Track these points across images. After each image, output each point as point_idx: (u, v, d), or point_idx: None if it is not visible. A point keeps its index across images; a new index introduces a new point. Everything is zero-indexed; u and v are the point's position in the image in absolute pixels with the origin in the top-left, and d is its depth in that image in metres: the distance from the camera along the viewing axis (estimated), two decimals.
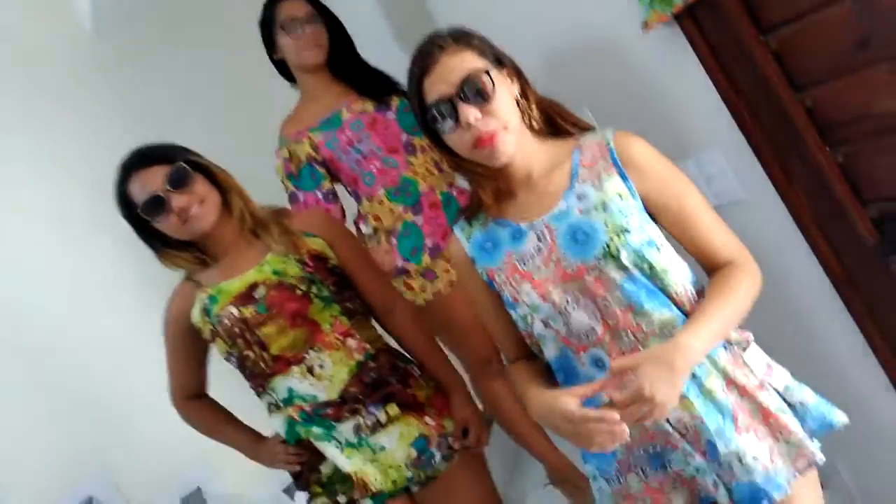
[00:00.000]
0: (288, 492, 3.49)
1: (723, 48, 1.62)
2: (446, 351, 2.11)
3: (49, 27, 3.32)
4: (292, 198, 2.37)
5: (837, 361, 1.87)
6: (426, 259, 2.29)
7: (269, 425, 1.96)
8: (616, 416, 1.24)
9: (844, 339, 1.79)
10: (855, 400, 1.88)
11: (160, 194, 1.74)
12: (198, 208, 1.76)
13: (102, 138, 3.26)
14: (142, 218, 1.78)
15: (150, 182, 1.75)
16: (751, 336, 1.44)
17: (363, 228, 2.40)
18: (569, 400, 1.30)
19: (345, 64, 2.35)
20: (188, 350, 1.92)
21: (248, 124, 3.22)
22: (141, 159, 1.78)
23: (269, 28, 2.34)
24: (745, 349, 1.42)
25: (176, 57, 3.46)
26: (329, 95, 2.34)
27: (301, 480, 1.90)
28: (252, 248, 1.84)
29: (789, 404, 1.42)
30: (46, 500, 3.20)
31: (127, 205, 1.79)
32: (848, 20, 1.38)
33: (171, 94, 3.38)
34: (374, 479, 1.78)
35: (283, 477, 3.53)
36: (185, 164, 1.77)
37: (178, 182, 1.75)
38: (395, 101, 2.31)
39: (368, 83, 2.33)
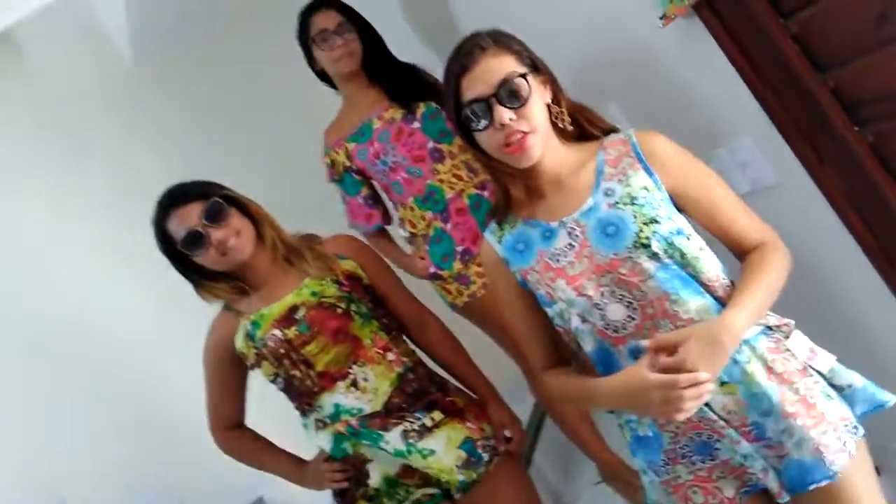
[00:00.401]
0: None
1: (743, 35, 1.64)
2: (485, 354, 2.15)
3: (89, 59, 3.43)
4: (343, 199, 2.48)
5: (880, 337, 1.87)
6: (457, 265, 2.34)
7: (309, 449, 2.00)
8: (704, 374, 1.27)
9: (885, 315, 1.79)
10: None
11: (199, 229, 1.80)
12: (235, 240, 1.82)
13: (147, 164, 3.39)
14: (181, 253, 1.85)
15: (188, 218, 1.81)
16: (792, 323, 1.45)
17: (401, 233, 2.48)
18: (651, 371, 1.32)
19: (379, 67, 2.40)
20: (229, 378, 1.98)
21: (288, 142, 3.32)
22: (177, 197, 1.85)
23: (304, 40, 2.42)
24: (787, 336, 1.43)
25: (215, 79, 3.55)
26: (365, 102, 2.41)
27: (347, 498, 1.93)
28: (288, 275, 1.91)
29: (837, 388, 1.43)
30: None
31: (166, 241, 1.86)
32: None
33: (211, 116, 3.47)
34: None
35: None
36: (220, 199, 1.84)
37: (215, 216, 1.82)
38: (421, 109, 2.35)
39: (399, 88, 2.37)
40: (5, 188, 3.30)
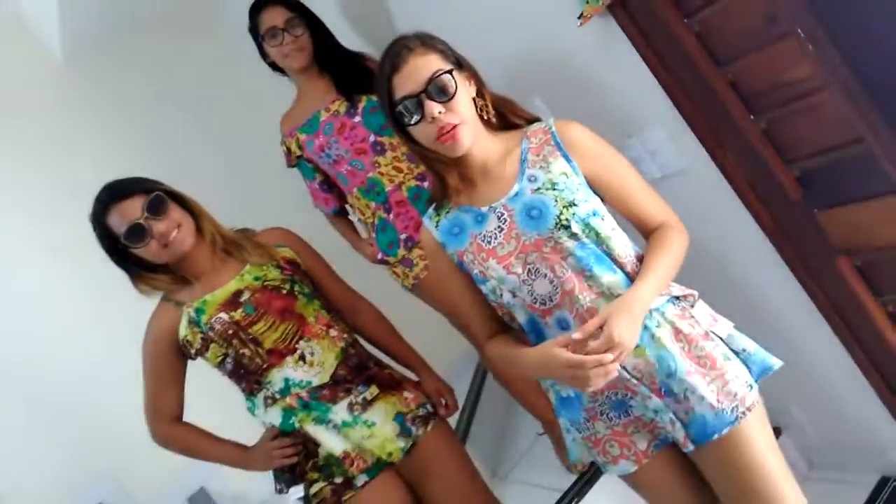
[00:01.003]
0: (281, 493, 3.63)
1: (652, 33, 1.80)
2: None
3: (19, 57, 3.40)
4: (305, 183, 2.59)
5: (776, 308, 2.07)
6: (402, 251, 2.47)
7: (253, 432, 2.06)
8: (608, 356, 1.42)
9: (780, 286, 1.99)
10: (796, 343, 2.08)
11: (141, 222, 1.86)
12: (177, 233, 1.89)
13: (80, 161, 3.40)
14: (119, 247, 1.90)
15: (129, 212, 1.86)
16: (696, 293, 1.62)
17: (352, 218, 2.62)
18: (562, 350, 1.47)
19: (328, 58, 2.47)
20: (170, 370, 2.01)
21: (225, 134, 3.37)
22: (117, 192, 1.89)
23: (255, 36, 2.48)
24: (692, 305, 1.60)
25: (147, 75, 3.57)
26: (316, 92, 2.48)
27: (296, 472, 2.01)
28: (227, 265, 1.99)
29: (735, 351, 1.60)
30: None
31: (106, 235, 1.90)
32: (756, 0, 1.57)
33: (145, 112, 3.49)
34: (371, 454, 1.95)
35: None
36: (161, 193, 1.90)
37: (157, 210, 1.87)
38: (363, 103, 2.43)
39: (345, 80, 2.45)
40: None
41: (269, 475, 3.31)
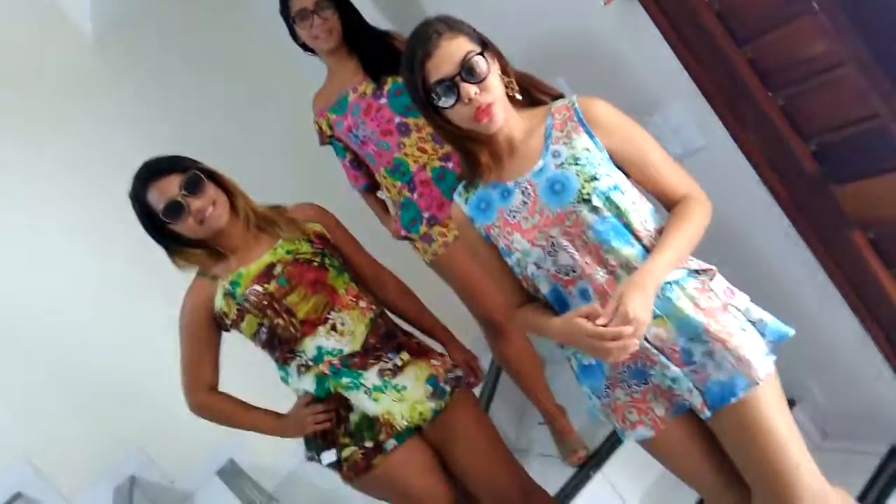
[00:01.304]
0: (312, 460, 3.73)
1: (674, 13, 1.87)
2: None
3: (51, 40, 3.51)
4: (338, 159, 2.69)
5: (792, 280, 2.13)
6: (423, 228, 2.55)
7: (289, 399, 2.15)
8: (627, 328, 1.49)
9: (796, 260, 2.06)
10: (811, 316, 2.15)
11: (178, 199, 1.95)
12: (212, 209, 1.97)
13: (113, 142, 3.49)
14: (157, 223, 1.99)
15: (167, 190, 1.95)
16: (715, 268, 1.68)
17: (380, 195, 2.72)
18: (584, 321, 1.54)
19: (357, 39, 2.54)
20: (207, 341, 2.10)
21: (253, 117, 3.45)
22: (155, 170, 1.98)
23: (286, 17, 2.55)
24: (711, 279, 1.66)
25: (177, 57, 3.65)
26: (345, 73, 2.56)
27: (328, 438, 2.10)
28: (260, 241, 2.08)
29: (752, 322, 1.66)
30: (90, 481, 3.45)
31: (145, 212, 2.00)
32: None
33: (175, 93, 3.58)
34: (401, 416, 2.03)
35: None
36: (198, 171, 1.98)
37: (193, 187, 1.96)
38: (388, 84, 2.49)
39: (372, 61, 2.51)
40: None
41: (299, 445, 3.44)
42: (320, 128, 2.64)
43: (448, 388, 2.08)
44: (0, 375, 3.34)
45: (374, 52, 2.51)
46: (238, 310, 2.02)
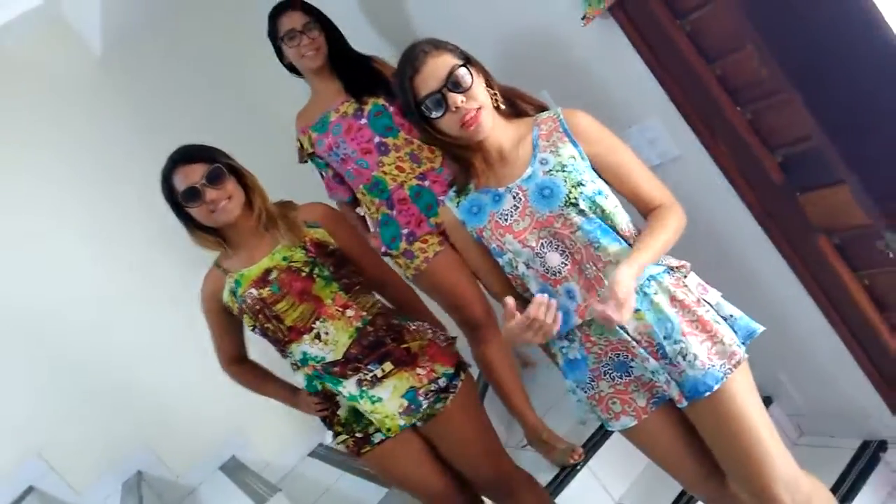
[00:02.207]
0: (313, 454, 3.86)
1: (649, 33, 1.99)
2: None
3: (60, 53, 3.62)
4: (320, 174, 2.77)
5: (764, 282, 2.25)
6: (403, 245, 2.65)
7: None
8: (545, 305, 1.62)
9: (767, 263, 2.17)
10: (783, 316, 2.26)
11: (197, 187, 2.07)
12: (226, 203, 2.08)
13: (119, 151, 3.61)
14: (178, 202, 2.12)
15: (191, 175, 2.07)
16: (689, 265, 1.80)
17: (360, 212, 2.79)
18: (511, 322, 1.66)
19: (340, 61, 2.66)
20: (225, 322, 2.25)
21: (256, 126, 3.55)
22: (186, 155, 2.11)
23: (273, 39, 2.67)
24: (685, 276, 1.78)
25: (182, 69, 3.77)
26: (328, 93, 2.67)
27: (328, 422, 2.25)
28: (264, 241, 2.17)
29: (723, 317, 1.77)
30: (99, 476, 3.58)
31: (169, 190, 2.12)
32: (730, 7, 1.77)
33: (181, 105, 3.69)
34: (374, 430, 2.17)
35: (310, 442, 3.93)
36: (221, 166, 2.10)
37: (214, 179, 2.07)
38: (369, 105, 2.61)
39: (355, 82, 2.64)
40: None
41: (298, 444, 3.55)
42: (301, 145, 2.72)
43: (425, 403, 2.14)
44: (14, 374, 3.47)
45: (356, 74, 2.63)
46: (238, 308, 2.15)
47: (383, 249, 2.67)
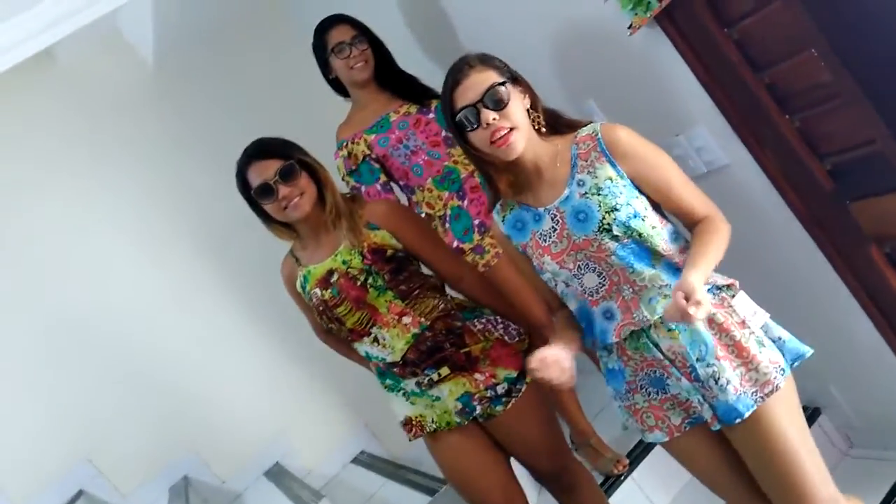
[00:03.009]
0: (356, 461, 3.89)
1: (695, 41, 1.99)
2: None
3: (113, 66, 3.73)
4: (360, 191, 2.72)
5: (814, 293, 2.22)
6: (476, 237, 2.64)
7: None
8: (540, 361, 1.72)
9: (818, 274, 2.15)
10: (833, 327, 2.23)
11: (270, 184, 2.11)
12: (298, 199, 2.12)
13: (171, 162, 3.70)
14: (252, 196, 2.16)
15: (264, 172, 2.11)
16: (737, 283, 1.76)
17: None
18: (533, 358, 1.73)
19: (388, 75, 2.71)
20: (305, 301, 2.28)
21: (306, 138, 3.62)
22: (260, 150, 2.15)
23: (320, 53, 2.71)
24: (733, 295, 1.75)
25: (234, 80, 3.86)
26: (377, 103, 2.71)
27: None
28: (330, 238, 2.19)
29: (771, 340, 1.74)
30: (145, 479, 3.65)
31: (243, 184, 2.17)
32: (791, 10, 1.75)
33: (231, 114, 3.75)
34: (431, 420, 2.20)
35: (353, 449, 3.97)
36: (295, 163, 2.13)
37: (287, 176, 2.11)
38: (434, 103, 2.66)
39: (409, 90, 2.70)
40: (32, 188, 3.59)
41: (341, 451, 3.57)
42: (350, 153, 2.69)
43: (479, 408, 2.16)
44: (65, 380, 3.56)
45: (407, 85, 2.69)
46: (308, 301, 2.22)
47: (455, 245, 2.64)
